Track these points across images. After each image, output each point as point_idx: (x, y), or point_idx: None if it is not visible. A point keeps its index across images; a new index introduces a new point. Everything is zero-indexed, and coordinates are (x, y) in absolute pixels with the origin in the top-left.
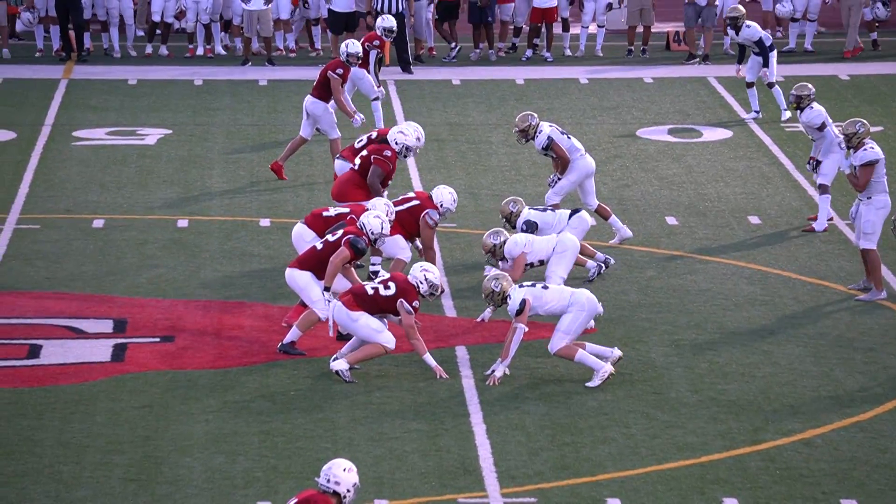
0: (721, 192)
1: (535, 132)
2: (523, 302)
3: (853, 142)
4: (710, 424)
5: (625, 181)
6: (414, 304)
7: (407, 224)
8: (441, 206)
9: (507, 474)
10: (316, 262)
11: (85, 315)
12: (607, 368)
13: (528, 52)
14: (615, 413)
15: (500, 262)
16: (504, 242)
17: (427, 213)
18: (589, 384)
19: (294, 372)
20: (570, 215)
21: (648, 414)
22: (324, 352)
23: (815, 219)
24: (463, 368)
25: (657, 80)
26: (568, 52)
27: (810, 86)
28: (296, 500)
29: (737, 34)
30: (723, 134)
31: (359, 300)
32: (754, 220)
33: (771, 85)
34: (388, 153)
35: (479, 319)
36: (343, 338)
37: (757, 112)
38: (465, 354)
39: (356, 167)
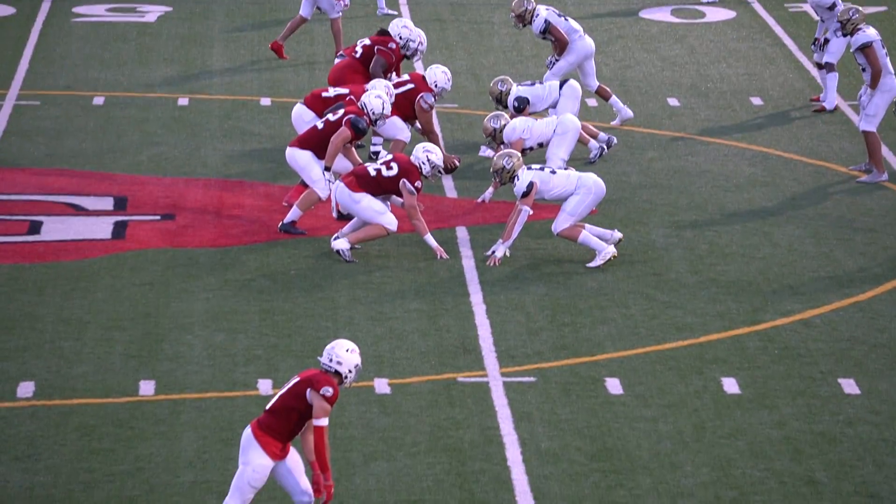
0: (723, 72)
1: (532, 16)
2: (531, 184)
3: (847, 28)
4: (709, 305)
5: (627, 62)
6: (416, 184)
7: (403, 107)
8: (436, 86)
9: (507, 354)
10: (317, 142)
11: (86, 192)
12: (609, 250)
13: None
14: (615, 293)
15: (500, 146)
16: (504, 126)
17: (422, 96)
18: (590, 265)
19: (294, 251)
20: (560, 86)
21: (648, 294)
22: (324, 231)
23: (817, 99)
24: (463, 248)
25: None
26: None
27: None
28: (298, 378)
29: None
30: (726, 14)
31: (361, 181)
32: (756, 101)
33: None
34: (392, 45)
35: (479, 200)
36: (343, 217)
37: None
38: (466, 235)
39: (358, 55)
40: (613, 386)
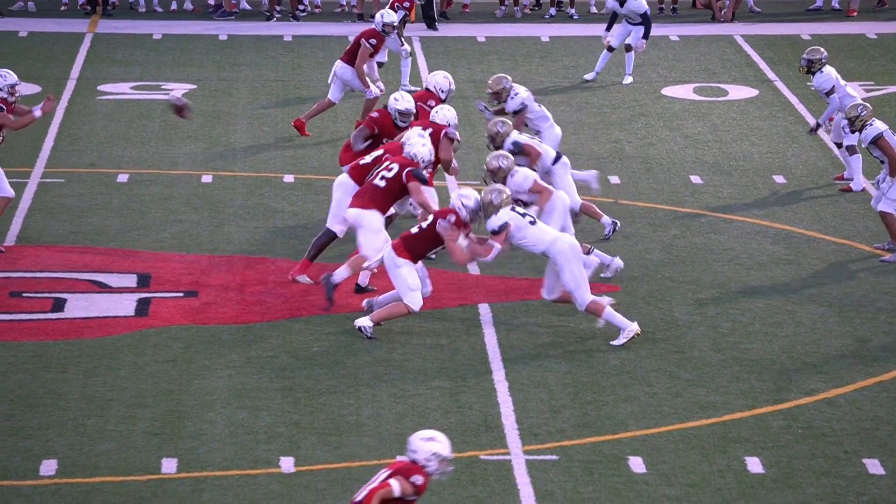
0: (746, 150)
1: (509, 95)
2: (504, 224)
3: (857, 125)
4: (732, 383)
5: (649, 139)
6: (450, 218)
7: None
8: (441, 91)
9: (530, 431)
10: (382, 199)
11: (109, 269)
12: (633, 328)
13: (553, 10)
14: (638, 371)
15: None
16: (508, 167)
17: (445, 132)
18: (614, 343)
19: (317, 328)
20: (555, 160)
21: (671, 372)
22: (345, 308)
23: (841, 178)
24: (485, 326)
25: (683, 38)
26: (594, 10)
27: (822, 50)
28: (388, 471)
29: (620, 6)
30: (748, 92)
31: (406, 243)
32: (779, 179)
33: (629, 48)
34: (432, 102)
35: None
36: (361, 290)
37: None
38: (488, 312)
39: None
40: (636, 464)
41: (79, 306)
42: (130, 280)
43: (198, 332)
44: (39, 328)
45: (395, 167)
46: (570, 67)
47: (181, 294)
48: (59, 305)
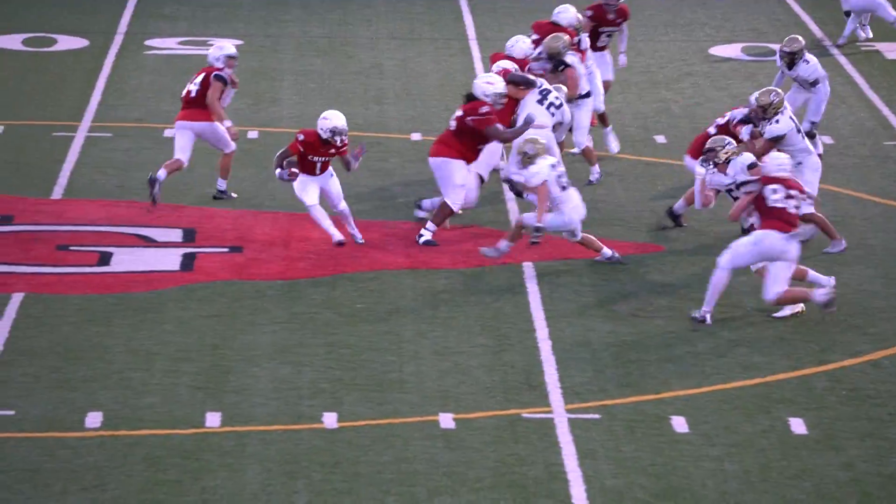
0: (795, 111)
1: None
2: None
3: (769, 113)
4: (776, 344)
5: (696, 99)
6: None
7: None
8: (485, 95)
9: (572, 390)
10: (459, 145)
11: (155, 224)
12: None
13: None
14: (681, 331)
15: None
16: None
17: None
18: (776, 315)
19: (361, 285)
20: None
21: (714, 333)
22: (391, 265)
23: None
24: (529, 283)
25: None
26: None
27: (800, 38)
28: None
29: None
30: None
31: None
32: (826, 139)
33: (847, 13)
34: (485, 108)
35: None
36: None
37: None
38: (532, 270)
39: (452, 127)
40: (679, 424)
41: (125, 260)
42: (176, 235)
43: (242, 288)
44: (85, 282)
45: (460, 112)
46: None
47: (226, 249)
48: (104, 259)
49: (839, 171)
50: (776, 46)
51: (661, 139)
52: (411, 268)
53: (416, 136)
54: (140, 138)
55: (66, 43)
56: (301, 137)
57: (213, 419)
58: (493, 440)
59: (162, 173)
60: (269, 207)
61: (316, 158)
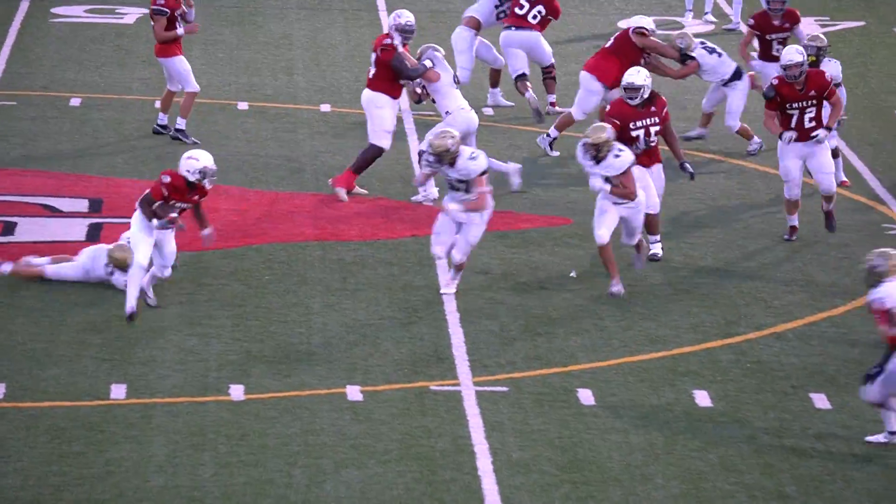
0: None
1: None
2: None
3: (602, 151)
4: (682, 317)
5: None
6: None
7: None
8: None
9: (480, 363)
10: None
11: (61, 193)
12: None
13: None
14: (588, 304)
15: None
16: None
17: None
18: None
19: (269, 256)
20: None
21: (622, 306)
22: (298, 237)
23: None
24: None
25: None
26: None
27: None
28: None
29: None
30: (813, 30)
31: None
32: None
33: None
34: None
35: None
36: None
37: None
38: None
39: (609, 44)
40: (586, 397)
41: (29, 230)
42: (82, 205)
43: None
44: None
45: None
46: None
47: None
48: (9, 229)
49: (744, 147)
50: (685, 20)
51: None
52: (319, 240)
53: (325, 108)
54: (45, 107)
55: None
56: (167, 180)
57: (118, 391)
58: (400, 412)
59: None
60: None
61: (178, 205)
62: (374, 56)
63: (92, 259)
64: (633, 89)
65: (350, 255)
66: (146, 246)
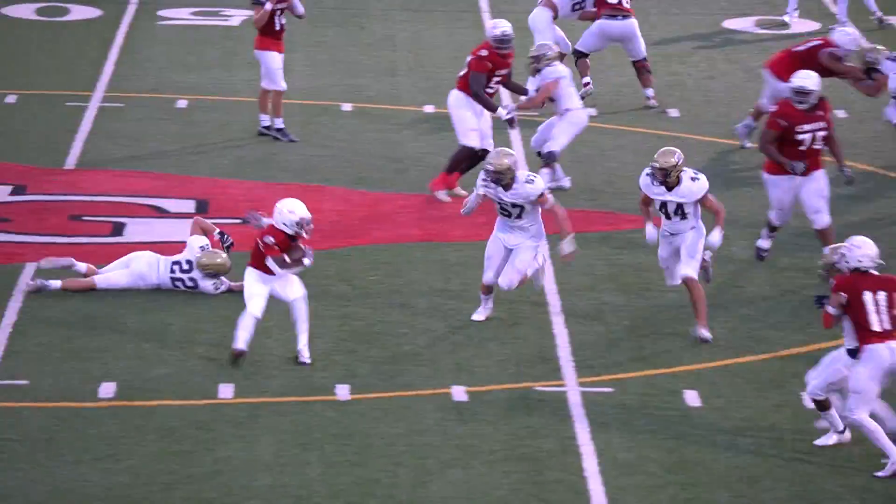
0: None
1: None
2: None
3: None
4: (789, 319)
5: (710, 73)
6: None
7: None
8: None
9: (585, 364)
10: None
11: (168, 194)
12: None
13: None
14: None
15: None
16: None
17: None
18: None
19: (373, 257)
20: None
21: (728, 307)
22: (404, 238)
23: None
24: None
25: None
26: None
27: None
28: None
29: None
30: (810, 26)
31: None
32: (840, 113)
33: None
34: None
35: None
36: None
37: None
38: (545, 244)
39: (800, 49)
40: (692, 398)
41: (138, 231)
42: (189, 205)
43: None
44: (99, 252)
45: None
46: None
47: (239, 220)
48: (118, 230)
49: (857, 146)
50: (790, 20)
51: (674, 113)
52: (424, 240)
53: (428, 109)
54: (152, 108)
55: (80, 13)
56: (270, 241)
57: (225, 391)
58: (505, 413)
59: None
60: (281, 179)
61: (290, 254)
62: (468, 59)
63: (149, 265)
64: (805, 93)
65: (454, 256)
66: (260, 299)
